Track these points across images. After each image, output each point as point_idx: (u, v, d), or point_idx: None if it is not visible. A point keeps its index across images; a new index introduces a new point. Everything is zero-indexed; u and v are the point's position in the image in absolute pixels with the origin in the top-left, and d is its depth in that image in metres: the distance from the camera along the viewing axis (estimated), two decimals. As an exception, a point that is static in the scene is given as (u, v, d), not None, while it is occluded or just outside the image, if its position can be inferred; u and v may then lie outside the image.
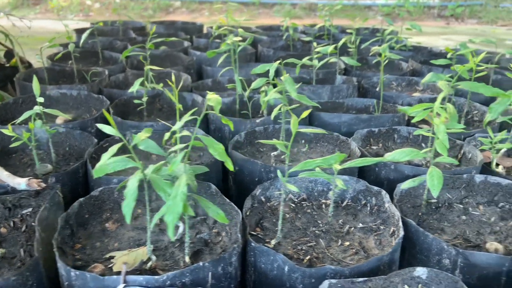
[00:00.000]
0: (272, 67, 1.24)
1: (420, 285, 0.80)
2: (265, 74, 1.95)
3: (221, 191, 1.29)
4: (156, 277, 0.73)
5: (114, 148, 0.69)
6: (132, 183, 0.68)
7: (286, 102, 1.34)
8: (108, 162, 0.75)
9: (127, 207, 0.66)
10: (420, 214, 1.07)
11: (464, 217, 1.08)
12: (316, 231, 1.03)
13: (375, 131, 1.47)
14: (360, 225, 1.05)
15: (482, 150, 1.41)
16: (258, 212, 1.08)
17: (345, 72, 2.23)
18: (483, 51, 2.70)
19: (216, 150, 0.73)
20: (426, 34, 6.00)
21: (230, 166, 0.73)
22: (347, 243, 0.99)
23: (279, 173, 0.90)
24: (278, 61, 1.28)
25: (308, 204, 1.14)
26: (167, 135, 0.83)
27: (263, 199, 1.10)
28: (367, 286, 0.77)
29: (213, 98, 0.69)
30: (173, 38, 1.74)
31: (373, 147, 1.45)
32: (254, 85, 1.39)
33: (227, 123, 0.80)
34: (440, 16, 8.31)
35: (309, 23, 3.71)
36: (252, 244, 0.85)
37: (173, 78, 1.08)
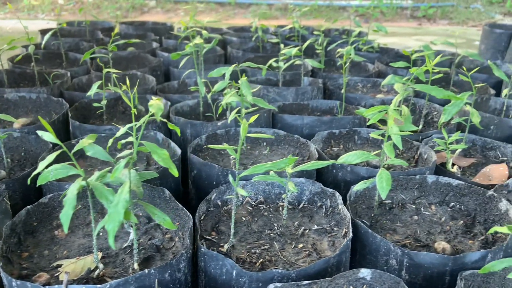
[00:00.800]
0: (228, 70, 1.24)
1: (364, 286, 0.81)
2: (235, 76, 1.96)
3: (181, 195, 1.29)
4: (99, 286, 0.72)
5: (52, 156, 0.68)
6: (71, 191, 0.68)
7: (249, 105, 1.35)
8: (50, 169, 0.74)
9: (65, 215, 0.65)
10: (372, 215, 1.09)
11: (416, 217, 1.11)
12: (271, 234, 1.04)
13: (335, 132, 1.49)
14: (315, 227, 1.06)
15: (438, 151, 1.45)
16: (214, 216, 1.08)
17: (312, 74, 2.25)
18: (444, 52, 2.76)
19: (160, 156, 0.72)
20: (398, 35, 6.11)
21: (174, 172, 0.73)
22: (301, 245, 1.00)
23: (230, 178, 0.90)
24: (234, 65, 1.28)
25: (265, 207, 1.14)
26: (110, 141, 0.82)
27: (220, 203, 1.10)
28: (312, 289, 0.78)
29: (154, 104, 0.69)
30: (136, 40, 1.72)
31: (334, 148, 1.47)
32: (216, 87, 1.38)
33: (173, 128, 0.79)
34: (413, 17, 8.47)
35: (285, 24, 3.72)
36: (202, 249, 0.85)
37: (127, 81, 1.07)
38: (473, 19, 8.15)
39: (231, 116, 1.20)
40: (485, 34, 3.97)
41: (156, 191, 1.02)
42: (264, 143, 1.46)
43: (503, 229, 0.82)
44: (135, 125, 0.78)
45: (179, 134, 0.85)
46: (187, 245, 0.84)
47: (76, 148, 0.74)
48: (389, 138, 1.06)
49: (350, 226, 0.94)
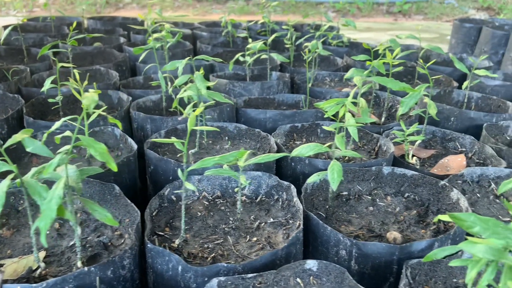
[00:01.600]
0: (181, 64, 1.22)
1: (311, 278, 0.81)
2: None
3: (138, 192, 1.27)
4: (34, 285, 0.70)
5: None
6: (0, 189, 0.65)
7: (210, 99, 1.33)
8: (-17, 166, 0.71)
9: (-8, 213, 0.63)
10: (327, 206, 1.10)
11: (371, 208, 1.12)
12: (226, 228, 1.03)
13: (298, 126, 1.49)
14: (271, 220, 1.06)
15: (397, 143, 1.46)
16: (169, 212, 1.06)
17: (281, 69, 2.24)
18: (412, 46, 2.78)
19: (97, 150, 0.71)
20: (373, 30, 6.16)
21: (113, 167, 0.71)
22: (255, 238, 0.99)
23: (179, 172, 0.89)
24: (188, 58, 1.27)
25: (222, 201, 1.13)
26: (44, 136, 0.80)
27: (174, 198, 1.08)
28: (257, 282, 0.78)
29: (88, 97, 0.67)
30: (97, 34, 1.68)
31: (296, 142, 1.47)
32: (177, 82, 1.36)
33: (113, 121, 0.77)
34: (389, 12, 8.56)
35: (261, 19, 3.70)
36: (148, 245, 0.84)
37: (77, 76, 1.04)
38: (447, 14, 8.27)
39: (186, 110, 1.18)
40: (455, 28, 4.04)
41: (107, 187, 1.00)
42: (226, 138, 1.45)
43: (445, 217, 0.83)
44: (82, 118, 0.76)
45: (120, 127, 0.83)
46: (133, 241, 0.83)
47: (8, 143, 0.71)
48: (341, 130, 1.06)
49: (302, 218, 0.94)
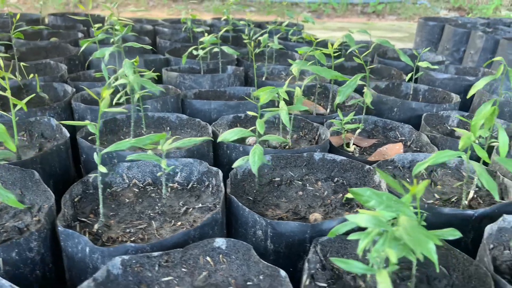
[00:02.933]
0: (108, 50, 1.22)
1: (221, 256, 0.83)
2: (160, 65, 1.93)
3: (72, 180, 1.26)
4: None
5: None
6: None
7: (156, 90, 1.34)
8: None
9: None
10: (255, 191, 1.11)
11: (301, 193, 1.13)
12: (152, 214, 1.03)
13: (241, 116, 1.50)
14: (200, 205, 1.07)
15: (340, 133, 1.49)
16: (95, 199, 1.06)
17: (238, 63, 2.26)
18: (369, 42, 2.83)
19: (-5, 130, 0.70)
20: (345, 30, 6.23)
21: (11, 147, 0.71)
22: (180, 223, 1.00)
23: (94, 155, 0.89)
24: (114, 45, 1.27)
25: (153, 188, 1.14)
26: None
27: (101, 186, 1.08)
28: (164, 260, 0.79)
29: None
30: (42, 26, 1.67)
31: (239, 132, 1.48)
32: (119, 72, 1.36)
33: (16, 103, 0.77)
34: (363, 13, 8.68)
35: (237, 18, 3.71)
36: (59, 228, 0.83)
37: (22, 69, 1.03)
38: (420, 14, 8.42)
39: (116, 98, 1.18)
40: (420, 27, 4.13)
41: (27, 173, 0.99)
42: (168, 128, 1.45)
43: (349, 195, 0.86)
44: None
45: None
46: (41, 224, 0.82)
47: None
48: (261, 116, 1.08)
49: (221, 200, 0.95)
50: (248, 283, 0.80)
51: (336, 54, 1.77)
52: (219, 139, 1.04)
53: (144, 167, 1.14)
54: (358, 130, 1.49)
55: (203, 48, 1.89)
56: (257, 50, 1.87)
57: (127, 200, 1.08)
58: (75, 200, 1.00)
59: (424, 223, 0.79)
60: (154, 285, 0.79)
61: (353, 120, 1.56)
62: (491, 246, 0.88)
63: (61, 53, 2.22)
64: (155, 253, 0.78)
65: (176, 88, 1.64)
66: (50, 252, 0.85)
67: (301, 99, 1.29)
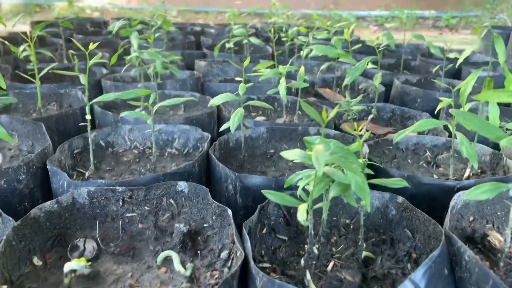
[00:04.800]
0: (135, 36, 1.34)
1: (184, 199, 0.87)
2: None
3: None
4: None
5: None
6: None
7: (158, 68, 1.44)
8: None
9: None
10: (243, 157, 1.14)
11: (291, 164, 1.14)
12: (143, 170, 1.10)
13: (254, 97, 1.55)
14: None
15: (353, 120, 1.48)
16: (97, 155, 1.16)
17: (272, 58, 2.32)
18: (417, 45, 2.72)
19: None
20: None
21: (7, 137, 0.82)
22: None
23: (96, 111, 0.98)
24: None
25: (151, 151, 1.21)
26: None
27: (103, 144, 1.18)
28: (127, 195, 0.85)
29: None
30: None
31: (252, 113, 1.52)
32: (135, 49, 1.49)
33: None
34: (435, 26, 8.33)
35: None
36: (47, 166, 0.93)
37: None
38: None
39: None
40: (485, 35, 3.92)
41: (37, 127, 1.11)
42: (182, 106, 1.53)
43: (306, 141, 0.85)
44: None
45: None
46: (30, 159, 0.93)
47: None
48: (246, 82, 1.11)
49: (198, 156, 1.00)
50: (205, 225, 0.84)
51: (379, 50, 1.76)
52: (209, 104, 1.09)
53: (144, 131, 1.22)
54: (371, 116, 1.46)
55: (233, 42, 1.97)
56: (288, 44, 1.91)
57: (125, 159, 1.17)
58: (75, 152, 1.10)
59: (371, 172, 0.77)
60: (119, 219, 0.85)
61: (369, 107, 1.53)
62: (454, 211, 0.83)
63: (111, 46, 2.44)
64: (119, 188, 0.84)
65: (198, 73, 1.73)
66: (40, 188, 0.95)
67: (303, 77, 1.31)
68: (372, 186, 0.78)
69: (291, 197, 0.69)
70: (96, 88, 1.60)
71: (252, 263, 0.65)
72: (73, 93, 1.46)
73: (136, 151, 1.21)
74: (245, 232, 0.72)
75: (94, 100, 0.95)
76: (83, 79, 0.95)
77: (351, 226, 0.90)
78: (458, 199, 0.84)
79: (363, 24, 8.40)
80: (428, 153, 1.22)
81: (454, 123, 0.95)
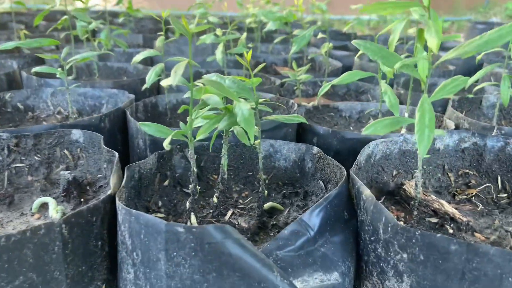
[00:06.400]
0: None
1: (79, 149, 0.80)
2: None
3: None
4: None
5: None
6: None
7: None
8: None
9: None
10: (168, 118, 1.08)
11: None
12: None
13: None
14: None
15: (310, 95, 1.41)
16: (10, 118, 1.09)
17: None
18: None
19: None
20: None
21: None
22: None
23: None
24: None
25: (76, 117, 1.14)
26: None
27: (21, 107, 1.11)
28: (13, 143, 0.77)
29: None
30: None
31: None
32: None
33: None
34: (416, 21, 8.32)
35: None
36: None
37: None
38: (489, 32, 7.90)
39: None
40: (469, 30, 3.93)
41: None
42: (125, 77, 1.47)
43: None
44: None
45: None
46: None
47: None
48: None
49: (117, 115, 0.93)
50: (99, 175, 0.77)
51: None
52: (132, 62, 1.03)
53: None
54: (324, 90, 1.40)
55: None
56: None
57: (45, 124, 1.09)
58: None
59: (269, 109, 0.71)
60: (5, 170, 0.78)
61: (321, 82, 1.47)
62: (372, 161, 0.76)
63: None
64: (3, 135, 0.77)
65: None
66: None
67: (244, 43, 1.25)
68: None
69: (166, 128, 0.62)
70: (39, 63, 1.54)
71: (117, 200, 0.58)
72: (9, 64, 1.40)
73: (60, 117, 1.14)
74: (127, 174, 0.65)
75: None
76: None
77: (267, 182, 0.83)
78: (375, 149, 0.77)
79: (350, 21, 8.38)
80: (371, 120, 1.15)
81: (380, 74, 0.89)
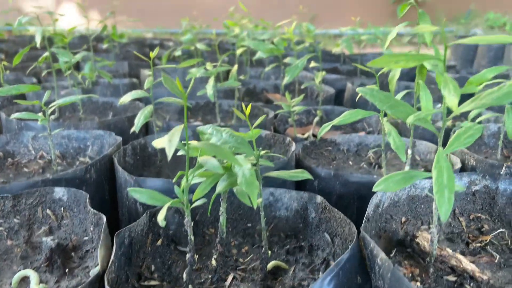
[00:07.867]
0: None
1: (63, 209, 0.73)
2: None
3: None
4: None
5: None
6: None
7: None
8: None
9: None
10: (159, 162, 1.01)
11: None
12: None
13: (192, 103, 1.43)
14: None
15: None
16: (-3, 166, 1.02)
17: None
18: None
19: None
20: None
21: None
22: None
23: None
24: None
25: (60, 161, 1.07)
26: None
27: (0, 154, 1.04)
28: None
29: None
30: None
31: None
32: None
33: None
34: (411, 43, 8.43)
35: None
36: None
37: None
38: (473, 43, 8.05)
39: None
40: (454, 48, 3.97)
41: None
42: (111, 112, 1.41)
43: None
44: None
45: None
46: None
47: None
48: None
49: (103, 163, 0.87)
50: (85, 238, 0.70)
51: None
52: (119, 102, 0.97)
53: (54, 140, 1.08)
54: (316, 119, 1.35)
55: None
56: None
57: (27, 170, 1.02)
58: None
59: (270, 164, 0.66)
60: (-19, 234, 0.71)
61: (315, 110, 1.43)
62: (380, 210, 0.71)
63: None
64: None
65: (137, 80, 1.62)
66: None
67: (234, 76, 1.20)
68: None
69: (160, 194, 0.56)
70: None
71: (106, 285, 0.51)
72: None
73: (42, 161, 1.07)
74: (116, 242, 0.59)
75: None
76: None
77: (268, 233, 0.77)
78: (383, 197, 0.72)
79: (339, 41, 8.46)
80: (370, 154, 1.10)
81: (383, 113, 0.84)
